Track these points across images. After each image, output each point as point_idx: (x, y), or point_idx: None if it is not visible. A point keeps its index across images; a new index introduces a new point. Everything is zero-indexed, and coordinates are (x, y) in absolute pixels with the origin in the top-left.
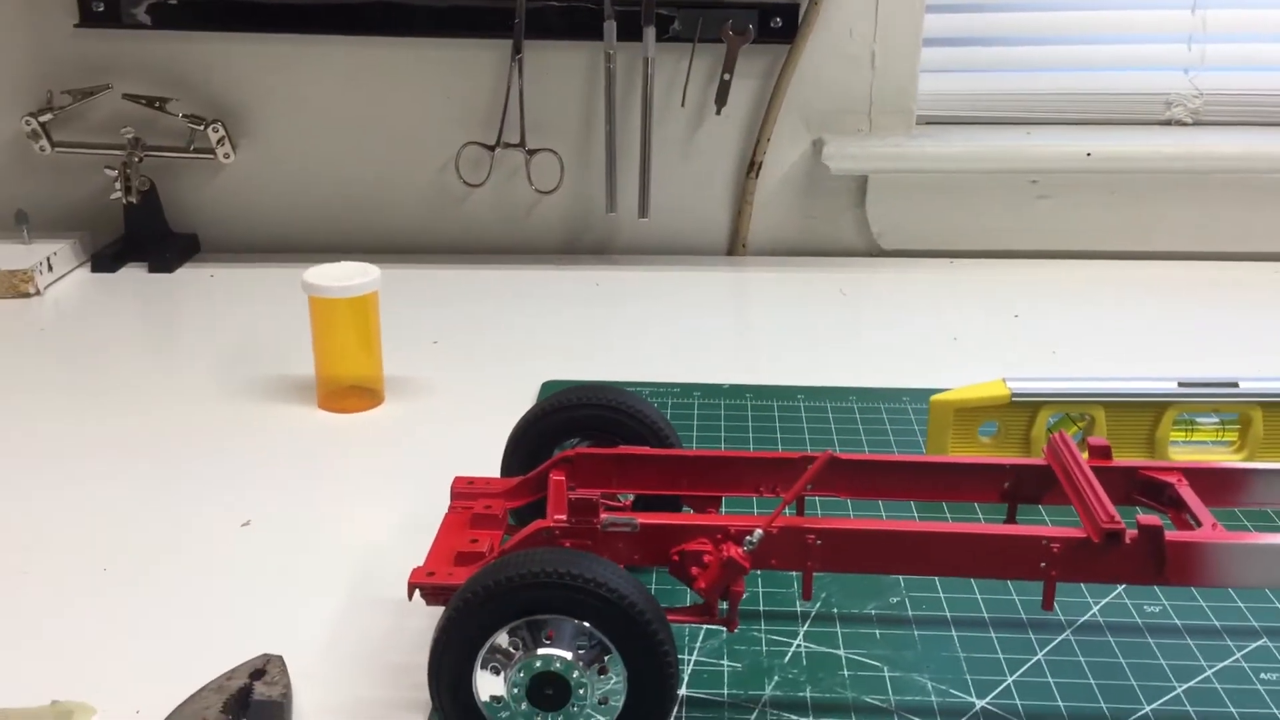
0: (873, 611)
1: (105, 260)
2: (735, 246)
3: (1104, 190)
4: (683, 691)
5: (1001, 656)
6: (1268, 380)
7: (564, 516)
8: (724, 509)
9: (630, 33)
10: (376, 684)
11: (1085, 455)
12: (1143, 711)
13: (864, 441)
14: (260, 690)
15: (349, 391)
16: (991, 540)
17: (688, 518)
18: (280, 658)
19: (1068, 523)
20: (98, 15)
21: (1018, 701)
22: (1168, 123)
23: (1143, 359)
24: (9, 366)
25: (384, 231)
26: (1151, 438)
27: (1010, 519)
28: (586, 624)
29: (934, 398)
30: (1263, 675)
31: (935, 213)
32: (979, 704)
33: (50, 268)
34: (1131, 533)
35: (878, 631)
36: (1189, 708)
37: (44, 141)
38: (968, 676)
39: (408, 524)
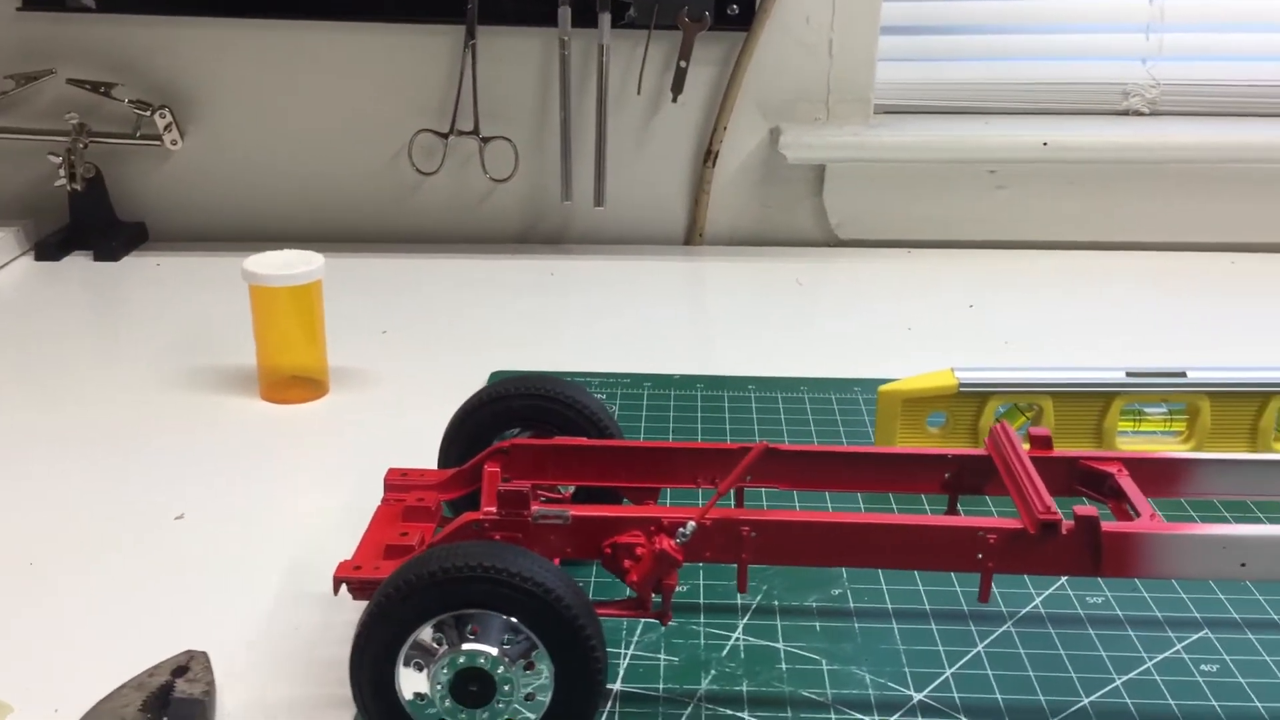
0: (814, 604)
1: (49, 249)
2: (692, 236)
3: (1061, 180)
4: (617, 686)
5: (941, 649)
6: (1215, 370)
7: (494, 509)
8: (668, 501)
9: (585, 19)
10: (303, 681)
11: (1027, 446)
12: (1080, 704)
13: (813, 432)
14: (182, 688)
15: (292, 382)
16: (927, 531)
17: (620, 510)
18: (205, 654)
19: (1010, 514)
20: None
21: (955, 694)
22: (1125, 113)
23: (1096, 350)
24: None
25: (336, 220)
26: (1099, 428)
27: (951, 510)
28: (513, 619)
29: (882, 388)
30: (1203, 666)
31: (893, 202)
32: (916, 697)
33: None
34: (1068, 524)
35: (818, 624)
36: (1127, 700)
37: None
38: (906, 669)
39: (346, 517)
